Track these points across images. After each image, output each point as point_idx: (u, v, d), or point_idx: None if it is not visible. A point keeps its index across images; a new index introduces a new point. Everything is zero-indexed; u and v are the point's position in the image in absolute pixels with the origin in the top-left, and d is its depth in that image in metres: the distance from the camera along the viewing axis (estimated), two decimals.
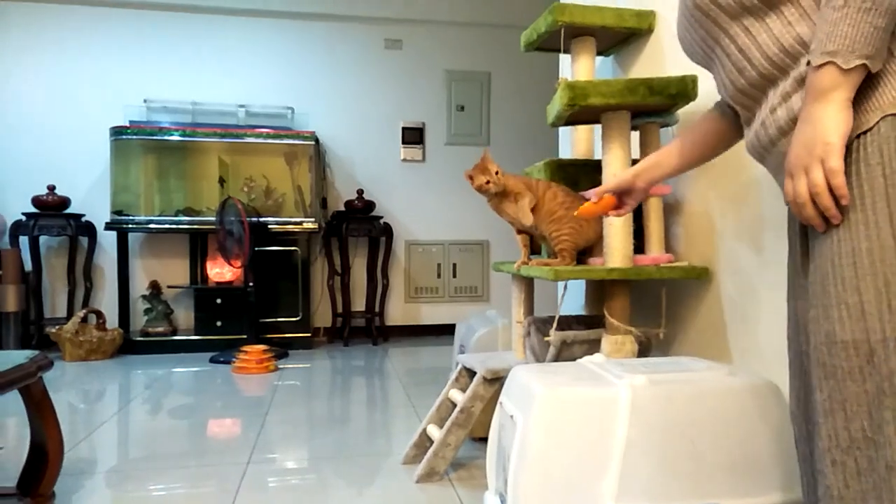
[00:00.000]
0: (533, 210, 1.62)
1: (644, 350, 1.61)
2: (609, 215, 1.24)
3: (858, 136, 0.74)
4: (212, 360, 3.57)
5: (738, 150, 1.47)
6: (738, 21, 0.84)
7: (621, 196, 1.18)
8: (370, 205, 4.33)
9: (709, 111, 1.12)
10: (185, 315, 4.21)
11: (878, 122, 0.73)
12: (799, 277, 0.88)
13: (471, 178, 1.61)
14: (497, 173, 1.60)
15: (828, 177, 0.74)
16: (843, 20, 0.72)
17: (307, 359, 3.68)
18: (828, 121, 0.74)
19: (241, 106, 4.27)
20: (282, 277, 4.03)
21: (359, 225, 4.25)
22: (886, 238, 0.71)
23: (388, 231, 4.40)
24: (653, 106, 1.53)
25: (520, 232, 1.72)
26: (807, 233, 0.84)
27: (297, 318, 4.01)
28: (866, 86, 0.75)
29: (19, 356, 1.38)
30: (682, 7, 0.93)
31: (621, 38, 1.89)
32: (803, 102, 0.77)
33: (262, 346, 3.41)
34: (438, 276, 4.66)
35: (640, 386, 1.13)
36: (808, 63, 0.76)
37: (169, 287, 4.12)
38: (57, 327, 3.61)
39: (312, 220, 4.01)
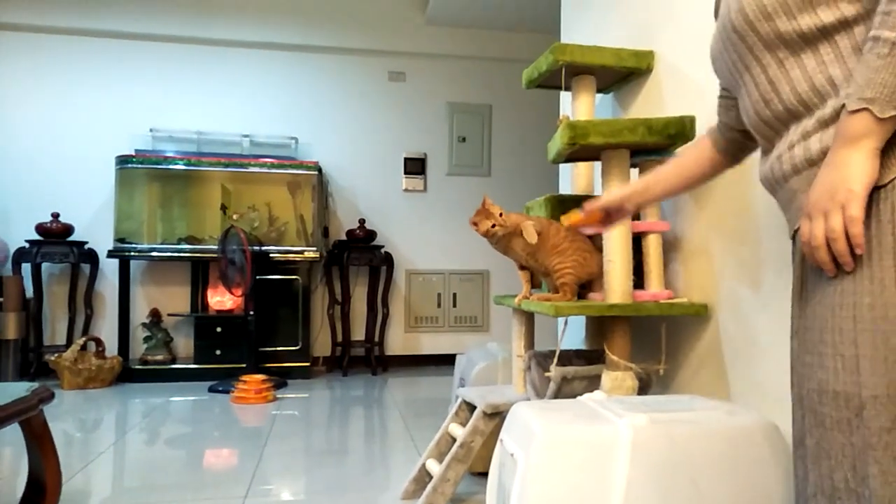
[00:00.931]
0: (536, 246, 1.64)
1: (644, 386, 1.60)
2: (593, 229, 1.30)
3: (873, 191, 0.74)
4: (210, 390, 3.56)
5: (739, 186, 1.49)
6: (772, 52, 0.84)
7: (609, 214, 1.23)
8: (371, 234, 4.34)
9: (701, 138, 1.12)
10: (184, 343, 4.20)
11: (893, 180, 0.72)
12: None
13: (475, 224, 1.62)
14: (500, 215, 1.61)
15: (846, 224, 0.73)
16: (886, 68, 0.71)
17: (306, 388, 3.66)
18: (854, 167, 0.73)
19: (246, 136, 4.32)
20: (282, 306, 4.03)
21: (360, 254, 4.26)
22: (890, 296, 0.70)
23: (388, 260, 4.41)
24: (651, 145, 1.55)
25: (522, 267, 1.73)
26: (805, 275, 0.84)
27: (297, 347, 4.00)
28: (889, 141, 0.74)
29: (20, 388, 1.38)
30: (719, 26, 0.92)
31: (621, 76, 1.93)
32: (832, 145, 0.76)
33: (260, 376, 3.39)
34: (439, 305, 4.66)
35: (641, 426, 1.13)
36: (843, 106, 0.74)
37: (169, 315, 4.12)
38: (56, 355, 3.60)
39: (314, 248, 4.03)
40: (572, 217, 1.26)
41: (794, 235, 0.87)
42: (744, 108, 0.93)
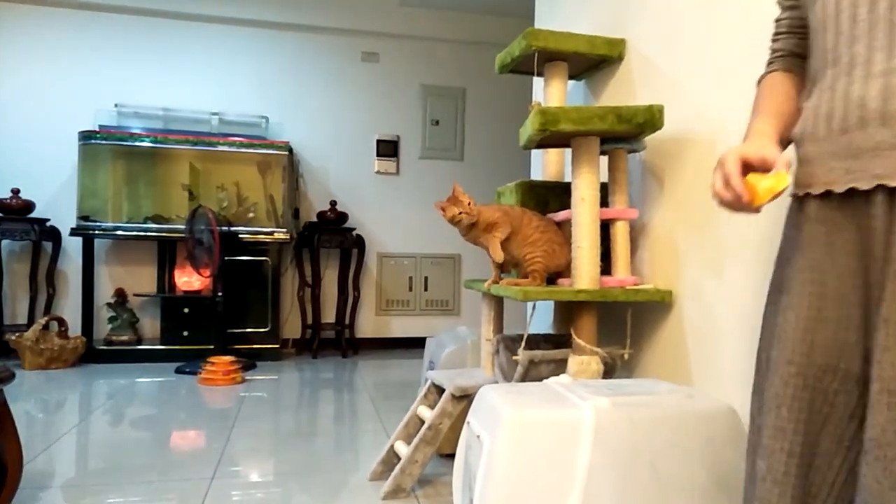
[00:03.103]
0: (508, 237, 1.65)
1: (609, 370, 1.64)
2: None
3: None
4: (177, 371, 3.52)
5: (705, 173, 1.51)
6: None
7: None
8: (343, 216, 4.32)
9: (772, 77, 0.91)
10: (150, 324, 4.14)
11: None
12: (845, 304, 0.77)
13: (443, 209, 1.63)
14: (469, 204, 1.62)
15: None
16: None
17: (275, 371, 3.64)
18: None
19: (215, 114, 4.23)
20: (251, 287, 3.99)
21: (331, 236, 4.23)
22: None
23: (360, 243, 4.40)
24: (621, 133, 1.57)
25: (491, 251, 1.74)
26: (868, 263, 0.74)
27: (266, 330, 3.97)
28: None
29: None
30: None
31: (593, 63, 1.94)
32: None
33: (229, 358, 3.36)
34: (410, 289, 4.66)
35: (604, 408, 1.16)
36: None
37: (135, 295, 4.05)
38: (17, 334, 3.52)
39: (284, 230, 3.99)
40: (764, 187, 0.81)
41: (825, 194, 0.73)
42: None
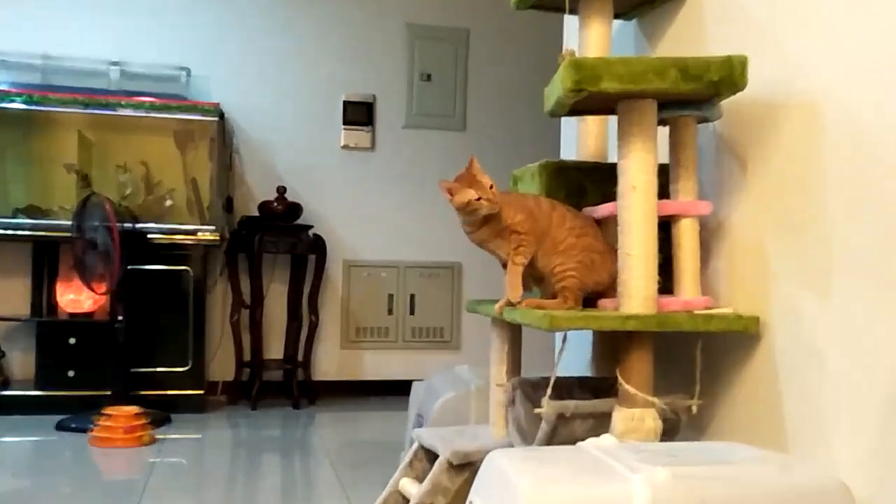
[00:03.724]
0: (531, 238, 1.66)
1: (671, 429, 1.64)
2: None
3: None
4: (60, 427, 3.51)
5: (803, 149, 1.52)
6: None
7: None
8: (295, 208, 4.32)
9: None
10: (21, 360, 4.13)
11: None
12: None
13: (450, 192, 1.63)
14: (491, 188, 1.62)
15: None
16: None
17: (198, 427, 3.64)
18: None
19: (115, 64, 4.24)
20: (165, 309, 3.99)
21: (278, 237, 4.23)
22: None
23: (319, 246, 4.40)
24: (688, 94, 1.57)
25: (505, 265, 1.74)
26: None
27: (186, 369, 3.98)
28: None
29: None
30: None
31: None
32: None
33: (133, 408, 3.37)
34: (390, 311, 4.66)
35: (663, 483, 1.16)
36: None
37: (0, 319, 4.04)
38: None
39: (212, 228, 3.99)
40: None
41: None
42: None
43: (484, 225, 1.66)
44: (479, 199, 1.61)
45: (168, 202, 4.00)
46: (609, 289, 1.69)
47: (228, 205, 4.35)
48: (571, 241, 1.66)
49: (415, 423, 2.31)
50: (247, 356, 4.34)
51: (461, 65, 4.84)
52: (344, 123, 4.63)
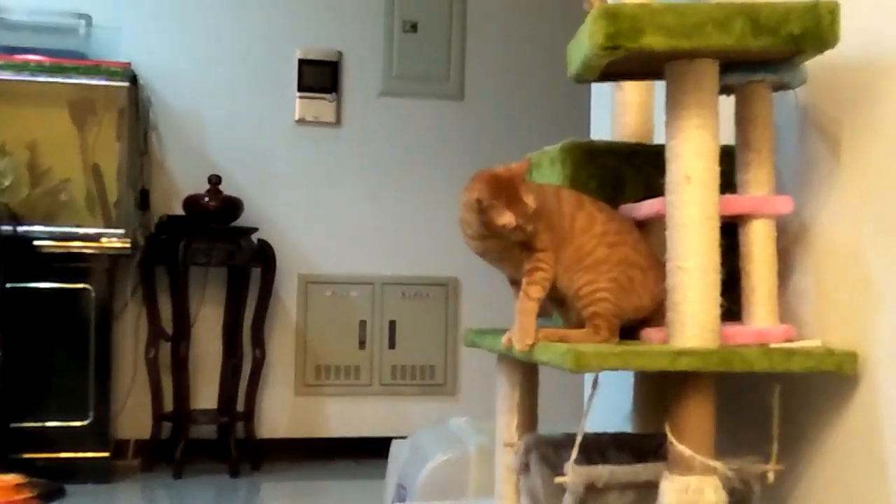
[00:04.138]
0: (550, 248, 1.66)
1: (740, 502, 1.63)
2: None
3: None
4: None
5: None
6: None
7: None
8: (233, 205, 4.32)
9: None
10: None
11: None
12: None
13: (480, 204, 1.58)
14: (530, 207, 1.59)
15: None
16: None
17: (102, 502, 3.61)
18: None
19: None
20: (58, 342, 3.99)
21: (211, 243, 4.23)
22: None
23: (266, 256, 4.39)
24: (760, 53, 1.57)
25: (515, 282, 1.73)
26: None
27: (86, 423, 3.96)
28: None
29: None
30: None
31: None
32: None
33: (14, 477, 3.36)
34: (362, 344, 4.65)
35: None
36: None
37: None
38: None
39: (121, 231, 3.99)
40: None
41: None
42: None
43: (493, 235, 1.65)
44: (516, 227, 1.60)
45: (62, 197, 3.99)
46: (655, 314, 1.68)
47: (143, 200, 4.35)
48: (602, 252, 1.65)
49: (395, 496, 2.30)
50: (168, 406, 4.32)
51: (458, 10, 4.85)
52: (299, 90, 4.63)
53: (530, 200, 1.60)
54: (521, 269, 1.68)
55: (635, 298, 1.67)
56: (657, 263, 1.67)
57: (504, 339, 1.72)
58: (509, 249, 1.66)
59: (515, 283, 1.74)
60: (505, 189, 1.60)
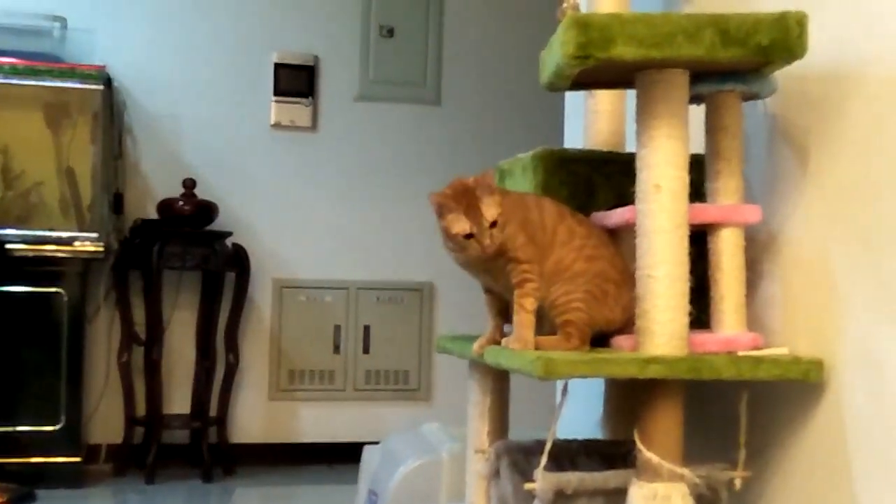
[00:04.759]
0: (530, 257, 1.66)
1: None
2: None
3: None
4: None
5: (889, 146, 1.52)
6: None
7: None
8: (207, 209, 4.31)
9: None
10: None
11: None
12: None
13: (440, 207, 1.61)
14: (495, 222, 1.59)
15: None
16: None
17: None
18: None
19: None
20: (30, 346, 3.97)
21: (185, 248, 4.22)
22: None
23: (240, 260, 4.38)
24: (729, 64, 1.58)
25: (489, 291, 1.74)
26: None
27: (57, 428, 3.95)
28: None
29: None
30: None
31: None
32: None
33: None
34: (337, 349, 4.64)
35: None
36: None
37: None
38: None
39: (94, 235, 3.97)
40: None
41: None
42: None
43: (455, 246, 1.65)
44: (469, 235, 1.60)
45: (34, 200, 3.97)
46: (625, 326, 1.69)
47: (117, 204, 4.33)
48: (580, 266, 1.67)
49: (366, 502, 2.30)
50: (140, 410, 4.30)
51: (434, 15, 4.85)
52: (275, 94, 4.63)
53: (490, 213, 1.60)
54: (500, 280, 1.69)
55: (607, 311, 1.68)
56: (630, 278, 1.67)
57: (475, 345, 1.73)
58: (488, 262, 1.66)
59: (490, 291, 1.75)
60: (466, 198, 1.61)
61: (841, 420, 1.59)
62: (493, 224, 1.60)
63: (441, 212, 1.62)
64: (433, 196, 1.63)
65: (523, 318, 1.64)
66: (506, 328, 1.76)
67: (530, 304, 1.65)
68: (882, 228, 1.53)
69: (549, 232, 1.68)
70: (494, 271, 1.68)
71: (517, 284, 1.65)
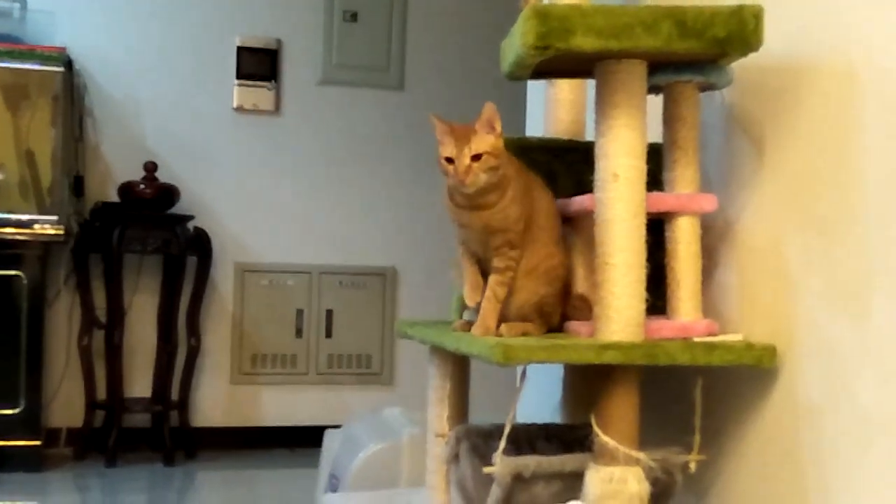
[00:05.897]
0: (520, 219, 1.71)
1: (662, 493, 1.66)
2: None
3: None
4: None
5: (842, 137, 1.55)
6: None
7: None
8: (169, 193, 4.29)
9: None
10: None
11: None
12: None
13: (439, 132, 1.70)
14: (479, 155, 1.64)
15: None
16: None
17: (34, 490, 3.62)
18: None
19: None
20: None
21: (146, 231, 4.21)
22: None
23: (202, 244, 4.37)
24: (686, 55, 1.60)
25: (472, 256, 1.76)
26: None
27: (16, 412, 3.93)
28: None
29: None
30: None
31: None
32: None
33: None
34: (299, 333, 4.64)
35: None
36: None
37: None
38: None
39: (54, 218, 3.95)
40: None
41: None
42: None
43: (479, 208, 1.67)
44: (448, 159, 1.65)
45: None
46: (578, 305, 1.72)
47: (77, 187, 4.30)
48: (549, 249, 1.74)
49: (327, 486, 2.31)
50: (101, 394, 4.29)
51: (398, 1, 4.84)
52: (238, 77, 4.61)
53: (477, 145, 1.65)
54: (489, 251, 1.71)
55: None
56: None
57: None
58: (485, 205, 1.68)
59: (473, 257, 1.76)
60: (465, 129, 1.69)
61: (794, 405, 1.62)
62: (477, 157, 1.63)
63: (439, 137, 1.69)
64: (434, 118, 1.71)
65: (490, 307, 1.67)
66: (465, 315, 1.78)
67: (502, 293, 1.68)
68: (835, 217, 1.55)
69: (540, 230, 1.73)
70: (482, 238, 1.71)
71: (499, 269, 1.68)
